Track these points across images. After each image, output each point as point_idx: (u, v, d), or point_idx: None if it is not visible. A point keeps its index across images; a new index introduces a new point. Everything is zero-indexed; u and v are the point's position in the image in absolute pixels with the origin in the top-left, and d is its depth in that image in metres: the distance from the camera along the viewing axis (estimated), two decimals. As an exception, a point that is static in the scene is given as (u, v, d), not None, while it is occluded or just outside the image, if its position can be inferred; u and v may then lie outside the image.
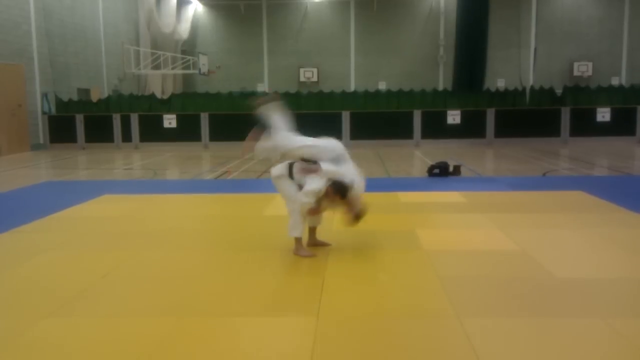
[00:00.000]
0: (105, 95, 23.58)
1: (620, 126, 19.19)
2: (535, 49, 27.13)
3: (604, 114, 19.35)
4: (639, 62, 30.29)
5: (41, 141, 20.13)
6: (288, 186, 5.78)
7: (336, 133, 19.71)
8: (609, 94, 21.32)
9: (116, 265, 5.63)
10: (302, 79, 31.79)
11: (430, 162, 12.59)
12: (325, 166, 5.53)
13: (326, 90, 23.05)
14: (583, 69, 30.72)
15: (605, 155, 16.05)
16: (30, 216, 7.94)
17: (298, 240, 5.87)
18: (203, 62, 26.21)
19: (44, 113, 20.18)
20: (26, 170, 14.39)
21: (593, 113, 19.41)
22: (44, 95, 20.20)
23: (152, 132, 20.06)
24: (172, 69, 27.40)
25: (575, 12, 30.98)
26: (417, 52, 31.62)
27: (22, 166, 15.24)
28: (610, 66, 30.64)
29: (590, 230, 6.77)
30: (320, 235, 6.25)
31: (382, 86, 28.63)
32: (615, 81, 28.55)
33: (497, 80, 28.52)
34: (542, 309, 4.36)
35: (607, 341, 3.80)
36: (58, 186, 11.58)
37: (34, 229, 7.33)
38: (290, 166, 5.79)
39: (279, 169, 5.87)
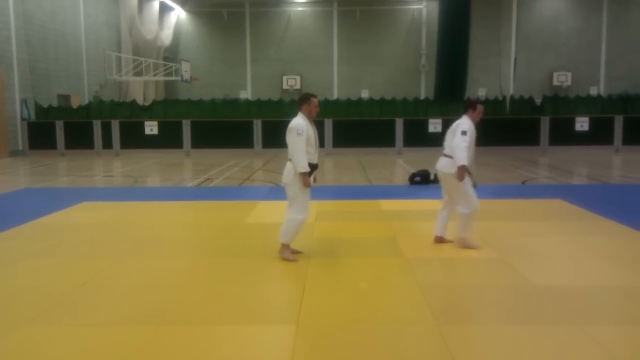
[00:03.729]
0: (86, 101, 23.38)
1: (599, 135, 19.49)
2: (515, 59, 27.52)
3: (582, 123, 19.64)
4: (616, 72, 30.84)
5: (20, 147, 19.88)
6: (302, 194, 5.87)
7: (319, 140, 19.84)
8: (587, 103, 21.66)
9: (95, 273, 5.58)
10: (285, 86, 31.83)
11: (412, 170, 12.67)
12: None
13: (309, 98, 23.05)
14: (562, 78, 31.19)
15: (584, 163, 16.28)
16: (8, 223, 7.83)
17: (286, 245, 6.01)
18: (185, 69, 26.14)
19: (23, 119, 19.93)
20: (5, 177, 14.20)
21: (572, 122, 19.70)
22: (24, 101, 19.97)
23: (133, 139, 19.92)
24: (154, 75, 27.29)
25: (554, 23, 31.48)
26: (399, 61, 31.87)
27: (1, 173, 15.03)
28: (589, 76, 31.16)
29: (568, 238, 6.87)
30: (302, 244, 6.26)
31: (365, 94, 28.79)
32: (593, 91, 29.04)
33: (478, 89, 28.84)
34: (520, 317, 4.41)
35: (584, 348, 3.85)
36: (37, 193, 11.44)
37: (12, 236, 7.23)
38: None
39: (293, 175, 5.83)
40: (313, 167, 5.87)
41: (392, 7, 31.98)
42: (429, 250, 6.37)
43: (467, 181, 6.24)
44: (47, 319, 4.43)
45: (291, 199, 5.92)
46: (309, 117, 5.89)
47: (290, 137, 5.75)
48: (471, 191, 6.27)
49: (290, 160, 5.86)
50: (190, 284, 5.29)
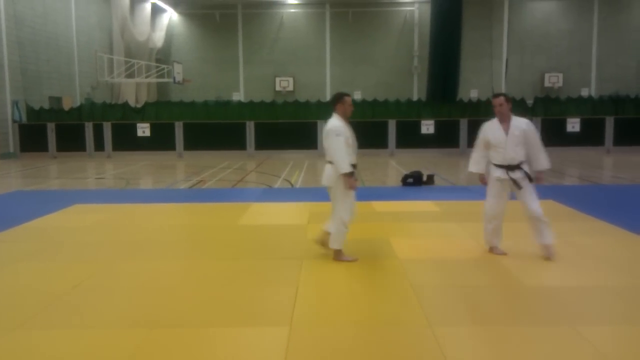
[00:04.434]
0: (78, 103, 23.29)
1: (590, 136, 19.62)
2: (507, 60, 27.63)
3: (573, 125, 19.76)
4: (607, 73, 31.03)
5: (11, 150, 19.77)
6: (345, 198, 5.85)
7: (311, 142, 19.91)
8: (578, 104, 21.81)
9: (87, 276, 5.55)
10: (278, 88, 31.82)
11: (405, 172, 12.70)
12: None
13: (302, 99, 23.11)
14: (554, 80, 31.35)
15: (575, 164, 16.36)
16: (-1, 226, 7.79)
17: (339, 250, 5.98)
18: (178, 71, 26.08)
19: (14, 121, 19.83)
20: (-5, 180, 14.11)
21: (563, 123, 19.82)
22: (15, 104, 19.86)
23: (125, 141, 19.87)
24: (146, 77, 27.20)
25: (545, 24, 31.64)
26: (392, 63, 31.93)
27: (-9, 175, 14.95)
28: (580, 78, 31.34)
29: (559, 239, 6.86)
30: (295, 246, 6.26)
31: (358, 96, 28.80)
32: (584, 92, 29.21)
33: (470, 90, 28.92)
34: (513, 317, 4.43)
35: (576, 349, 3.87)
36: (28, 196, 11.38)
37: (4, 239, 7.19)
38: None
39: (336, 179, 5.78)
40: (353, 167, 5.83)
41: (384, 8, 32.05)
42: (422, 251, 6.38)
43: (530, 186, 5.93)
44: (38, 322, 4.40)
45: (335, 201, 5.87)
46: (344, 117, 5.85)
47: (329, 140, 5.72)
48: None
49: (329, 162, 5.81)
50: (182, 286, 5.28)
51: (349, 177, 5.69)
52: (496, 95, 6.06)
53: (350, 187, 5.72)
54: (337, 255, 5.99)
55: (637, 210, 8.87)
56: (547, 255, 5.92)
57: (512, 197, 6.15)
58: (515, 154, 5.91)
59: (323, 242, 6.13)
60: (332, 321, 4.37)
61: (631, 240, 6.80)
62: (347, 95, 5.95)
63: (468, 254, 6.25)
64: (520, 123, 5.98)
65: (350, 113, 5.93)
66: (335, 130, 5.70)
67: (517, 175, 5.91)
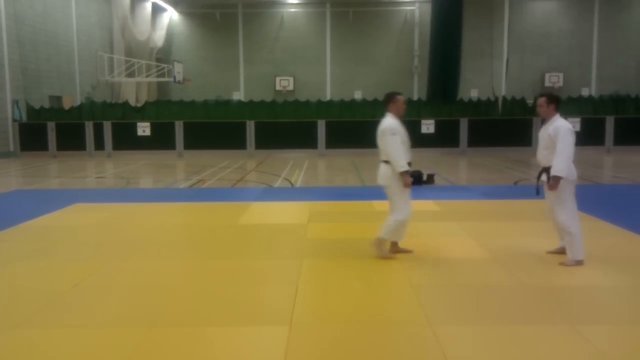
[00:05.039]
0: (78, 102, 23.28)
1: (590, 136, 19.55)
2: (507, 60, 27.62)
3: (574, 124, 19.57)
4: (608, 73, 31.03)
5: (11, 149, 19.77)
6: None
7: (312, 141, 19.91)
8: (579, 104, 21.79)
9: (87, 275, 5.55)
10: (278, 87, 31.82)
11: (405, 171, 12.67)
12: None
13: (302, 99, 23.11)
14: (554, 79, 31.35)
15: (575, 164, 16.30)
16: (-2, 225, 7.79)
17: (384, 241, 5.97)
18: (178, 70, 26.07)
19: (14, 120, 19.83)
20: (-5, 179, 14.11)
21: (564, 123, 19.77)
22: (15, 102, 19.86)
23: (126, 140, 19.85)
24: (147, 76, 27.19)
25: (546, 24, 31.64)
26: (392, 62, 31.92)
27: (-9, 174, 14.94)
28: (581, 77, 31.34)
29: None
30: (295, 245, 6.25)
31: (358, 95, 28.82)
32: (585, 92, 29.21)
33: (471, 90, 28.92)
34: (513, 316, 4.42)
35: (575, 348, 3.86)
36: (28, 195, 11.38)
37: (3, 238, 7.18)
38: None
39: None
40: (408, 164, 5.83)
41: (384, 8, 32.05)
42: (422, 251, 6.36)
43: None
44: (38, 321, 4.40)
45: (391, 200, 5.88)
46: (397, 115, 5.89)
47: (385, 139, 5.74)
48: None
49: (383, 162, 5.85)
50: (183, 285, 5.27)
51: (405, 175, 5.70)
52: (540, 95, 5.91)
53: (406, 185, 5.75)
54: (378, 243, 5.97)
55: (637, 210, 8.86)
56: (565, 263, 5.75)
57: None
58: (542, 157, 5.80)
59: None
60: (332, 320, 4.37)
61: (632, 240, 6.79)
62: (399, 94, 5.98)
63: (468, 254, 6.24)
64: (550, 126, 5.72)
65: (404, 111, 5.97)
66: (391, 130, 5.73)
67: (544, 178, 5.77)
